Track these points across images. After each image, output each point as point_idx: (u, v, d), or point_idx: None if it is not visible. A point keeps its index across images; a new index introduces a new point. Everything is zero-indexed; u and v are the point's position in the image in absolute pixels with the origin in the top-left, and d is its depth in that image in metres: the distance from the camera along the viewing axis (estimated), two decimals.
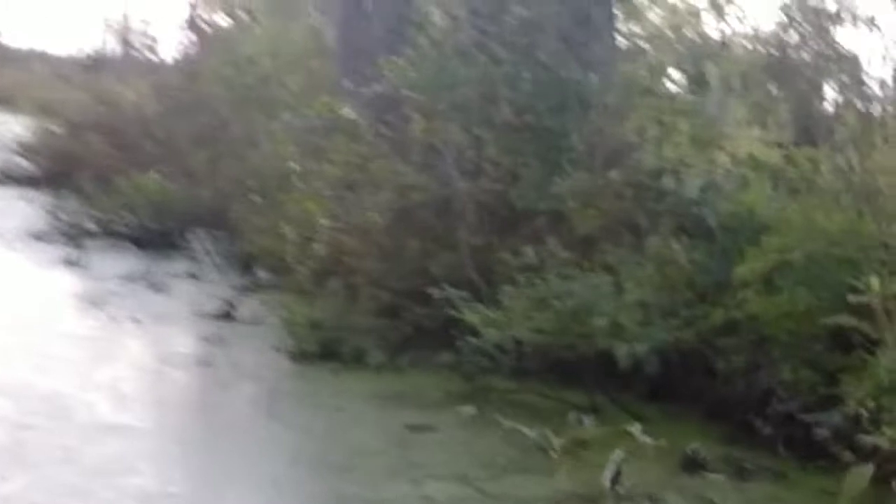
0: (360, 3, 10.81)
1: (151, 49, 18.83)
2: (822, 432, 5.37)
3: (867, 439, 5.06)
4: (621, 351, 6.16)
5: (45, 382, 6.28)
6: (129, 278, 9.57)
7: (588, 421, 5.64)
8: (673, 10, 9.64)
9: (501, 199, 7.80)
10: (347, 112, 9.30)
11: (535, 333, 6.54)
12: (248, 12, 14.11)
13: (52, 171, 14.56)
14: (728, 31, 9.74)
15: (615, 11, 8.88)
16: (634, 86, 7.99)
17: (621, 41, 9.08)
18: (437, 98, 8.46)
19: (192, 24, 14.91)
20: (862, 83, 8.99)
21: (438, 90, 8.45)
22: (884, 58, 9.35)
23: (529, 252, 7.10)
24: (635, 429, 5.08)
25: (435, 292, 7.17)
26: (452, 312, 6.95)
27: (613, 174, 7.31)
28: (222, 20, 14.64)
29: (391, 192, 8.36)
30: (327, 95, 9.76)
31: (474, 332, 6.67)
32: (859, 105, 8.41)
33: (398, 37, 9.64)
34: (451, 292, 7.05)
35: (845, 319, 5.38)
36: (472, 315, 6.80)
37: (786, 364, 5.74)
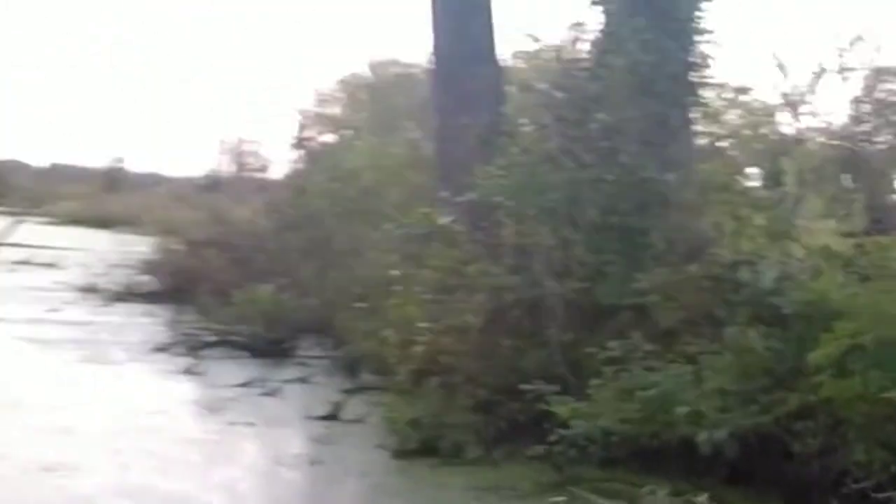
0: (455, 115, 11.35)
1: (263, 168, 19.73)
2: None
3: None
4: (702, 437, 6.43)
5: (166, 484, 6.77)
6: (244, 385, 10.12)
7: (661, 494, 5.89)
8: (749, 109, 9.96)
9: (588, 296, 8.16)
10: (444, 220, 9.77)
11: (620, 423, 6.85)
12: (352, 129, 14.79)
13: (173, 287, 15.39)
14: (802, 127, 10.00)
15: (693, 114, 9.25)
16: (712, 183, 8.33)
17: (699, 141, 9.43)
18: (528, 203, 8.90)
19: (300, 143, 15.65)
20: None
21: (528, 195, 8.88)
22: None
23: (615, 346, 7.42)
24: (702, 499, 5.32)
25: (527, 387, 7.54)
26: (543, 406, 7.30)
27: (693, 268, 7.62)
28: (328, 137, 15.34)
29: (485, 293, 8.76)
30: (425, 205, 10.26)
31: (564, 425, 7.01)
32: None
33: (491, 147, 10.10)
34: (542, 387, 7.41)
35: None
36: (561, 408, 7.14)
37: (860, 445, 5.93)
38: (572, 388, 7.41)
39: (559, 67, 9.94)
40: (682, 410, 6.61)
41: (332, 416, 8.88)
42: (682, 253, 7.85)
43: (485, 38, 12.12)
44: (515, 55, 13.21)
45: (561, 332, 8.08)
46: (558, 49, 10.46)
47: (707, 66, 9.02)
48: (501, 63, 12.20)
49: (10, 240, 24.67)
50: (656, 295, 7.60)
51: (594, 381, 7.20)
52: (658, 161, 8.52)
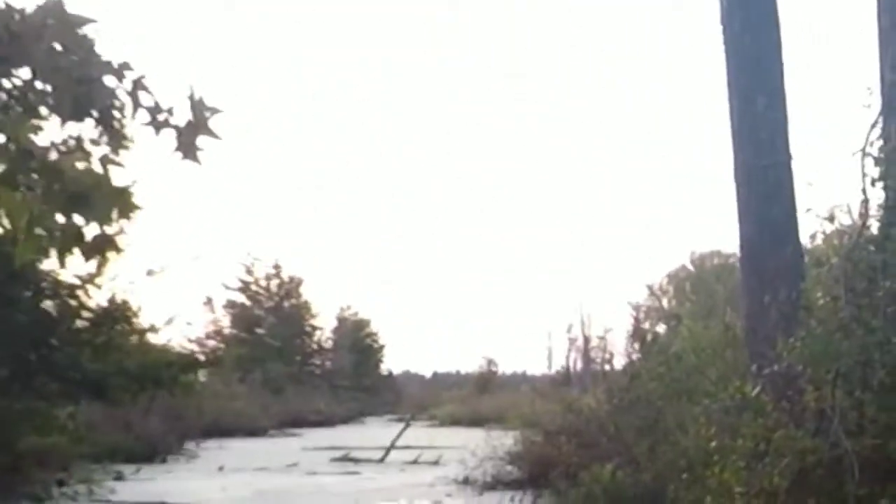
0: (759, 295, 11.84)
1: (607, 361, 20.68)
2: None
3: None
4: None
5: None
6: None
7: None
8: None
9: (880, 451, 8.34)
10: (753, 392, 10.21)
11: None
12: (676, 317, 15.47)
13: (532, 474, 16.44)
14: None
15: None
16: None
17: None
18: (824, 369, 9.24)
19: (636, 333, 16.48)
20: None
21: (824, 362, 9.24)
22: None
23: None
24: None
25: None
26: None
27: None
28: (658, 327, 16.09)
29: (791, 457, 9.09)
30: (738, 379, 10.74)
31: None
32: None
33: (791, 321, 10.52)
34: None
35: None
36: None
37: None
38: None
39: (849, 242, 10.33)
40: None
41: None
42: None
43: (787, 222, 12.59)
44: (813, 235, 13.53)
45: (857, 487, 8.28)
46: (848, 226, 10.83)
47: None
48: (801, 242, 12.60)
49: (401, 442, 26.83)
50: None
51: None
52: None
